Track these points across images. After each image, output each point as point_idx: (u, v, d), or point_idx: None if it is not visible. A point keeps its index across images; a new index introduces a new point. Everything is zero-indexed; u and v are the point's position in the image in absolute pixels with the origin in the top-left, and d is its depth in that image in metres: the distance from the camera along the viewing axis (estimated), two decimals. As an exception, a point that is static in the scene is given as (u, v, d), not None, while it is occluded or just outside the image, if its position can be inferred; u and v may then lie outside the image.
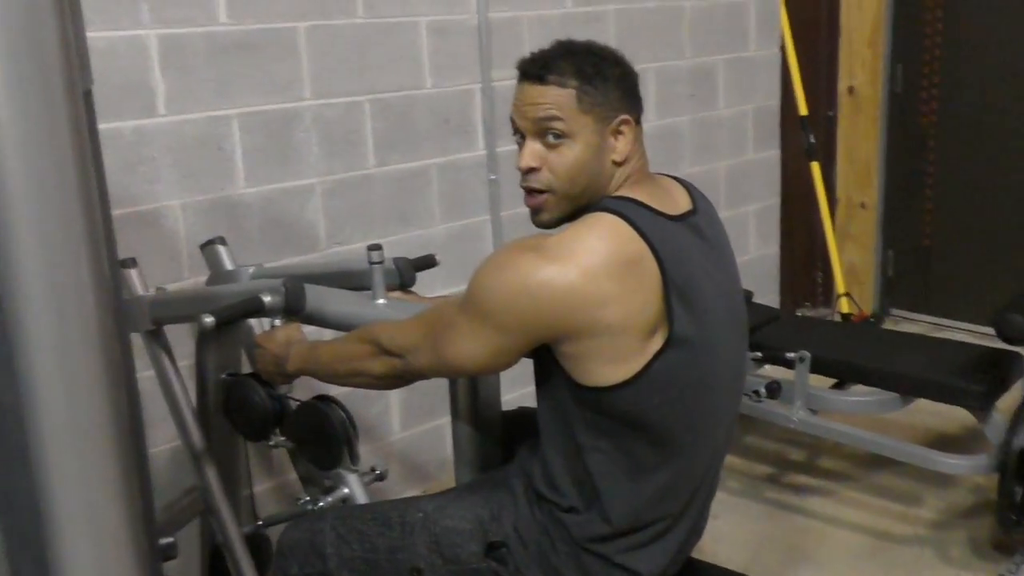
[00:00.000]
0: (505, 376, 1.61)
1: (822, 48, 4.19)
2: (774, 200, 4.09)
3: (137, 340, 2.06)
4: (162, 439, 2.39)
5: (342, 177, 2.66)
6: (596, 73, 1.42)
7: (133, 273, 2.03)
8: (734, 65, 3.77)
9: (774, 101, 4.00)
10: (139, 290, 2.03)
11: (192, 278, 2.38)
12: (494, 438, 1.73)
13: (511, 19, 2.96)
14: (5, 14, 1.12)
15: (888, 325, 4.16)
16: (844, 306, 4.06)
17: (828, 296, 4.26)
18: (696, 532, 1.58)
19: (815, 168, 4.00)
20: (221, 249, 2.17)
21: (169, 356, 2.06)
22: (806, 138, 3.97)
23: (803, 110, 3.96)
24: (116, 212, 2.26)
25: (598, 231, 1.37)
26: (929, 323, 4.13)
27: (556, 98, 1.42)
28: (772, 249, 4.13)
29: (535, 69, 1.44)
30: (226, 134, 2.43)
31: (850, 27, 4.18)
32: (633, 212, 1.40)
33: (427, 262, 2.04)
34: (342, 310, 1.77)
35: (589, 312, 1.33)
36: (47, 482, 1.29)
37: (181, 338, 2.21)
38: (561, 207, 1.46)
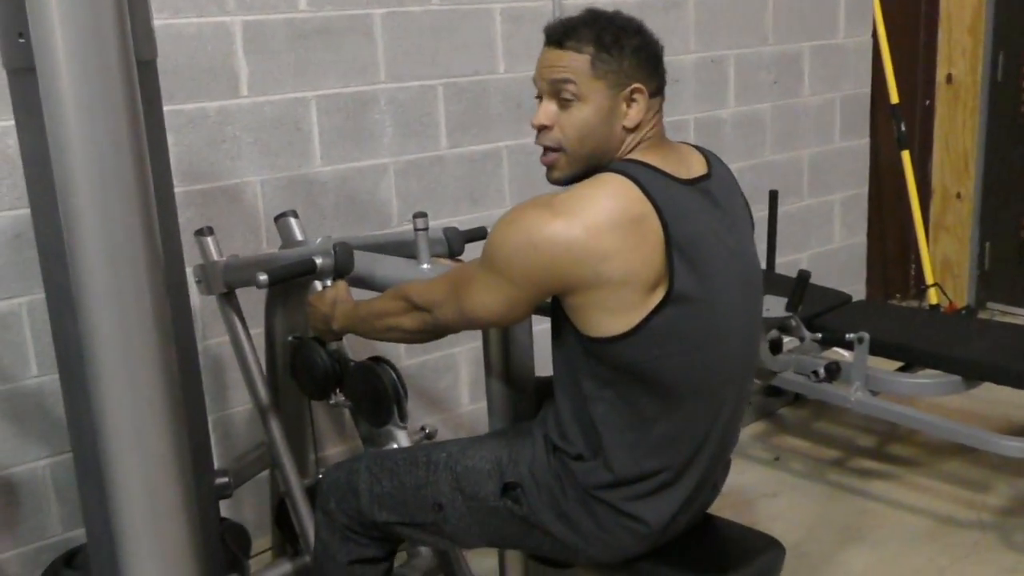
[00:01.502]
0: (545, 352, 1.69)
1: (920, 36, 4.12)
2: (862, 189, 4.04)
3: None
4: (246, 399, 2.55)
5: (415, 158, 2.78)
6: (614, 42, 1.50)
7: (209, 240, 2.19)
8: (821, 52, 3.74)
9: (864, 89, 3.95)
10: (214, 256, 2.19)
11: (270, 249, 2.54)
12: (526, 395, 1.82)
13: (587, 4, 3.02)
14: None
15: (984, 317, 4.05)
16: (933, 297, 3.98)
17: (920, 288, 4.18)
18: (706, 487, 1.63)
19: (906, 157, 3.93)
20: (293, 221, 2.31)
21: (240, 319, 2.22)
22: (897, 127, 3.91)
23: (894, 98, 3.90)
24: (200, 186, 2.45)
25: (605, 190, 1.45)
26: (1027, 317, 4.02)
27: (571, 62, 1.50)
28: (859, 239, 4.07)
29: (557, 34, 1.53)
30: (304, 115, 2.58)
31: (949, 14, 4.09)
32: (641, 173, 1.47)
33: (478, 234, 2.14)
34: (388, 274, 1.88)
35: (591, 265, 1.41)
36: (105, 413, 1.45)
37: (258, 306, 2.37)
38: (572, 166, 1.55)
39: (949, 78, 4.15)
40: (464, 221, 2.84)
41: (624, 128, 1.52)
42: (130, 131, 1.34)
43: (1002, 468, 2.79)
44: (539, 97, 1.57)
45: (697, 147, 1.64)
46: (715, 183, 1.56)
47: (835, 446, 3.07)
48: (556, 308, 1.53)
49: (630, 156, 1.53)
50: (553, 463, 1.59)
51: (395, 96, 2.72)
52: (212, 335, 2.51)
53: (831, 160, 3.88)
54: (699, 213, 1.50)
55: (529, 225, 1.44)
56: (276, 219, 2.35)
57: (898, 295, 4.29)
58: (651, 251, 1.42)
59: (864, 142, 3.99)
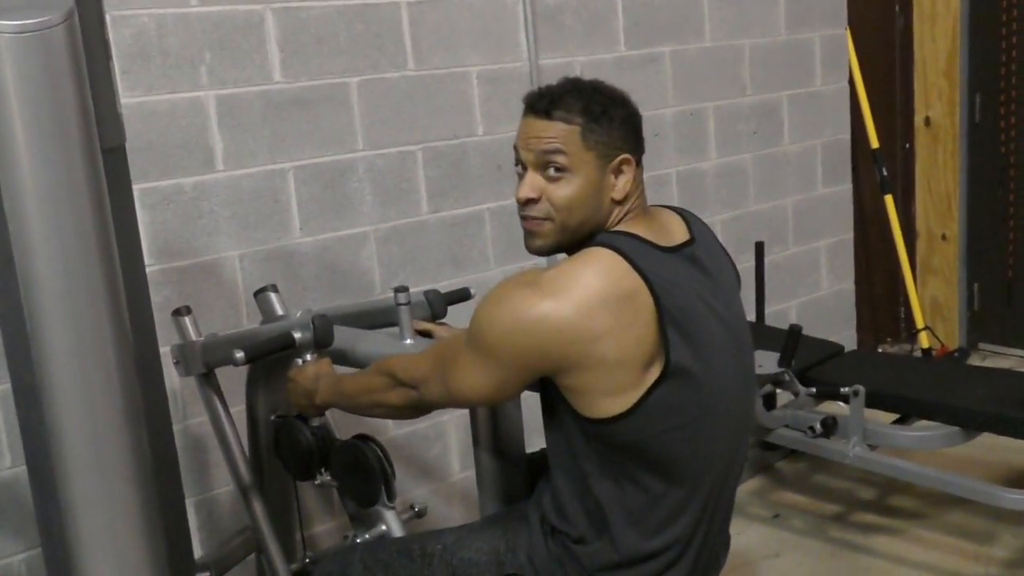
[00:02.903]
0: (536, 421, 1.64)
1: (896, 80, 4.14)
2: (847, 235, 4.02)
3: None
4: (225, 481, 2.48)
5: (396, 224, 2.74)
6: (602, 112, 1.47)
7: (187, 320, 2.14)
8: (800, 100, 3.75)
9: (844, 135, 3.95)
10: (192, 336, 2.14)
11: (250, 325, 2.48)
12: (517, 471, 1.77)
13: (563, 64, 3.02)
14: (26, 83, 1.24)
15: (976, 360, 4.03)
16: (925, 341, 3.95)
17: (911, 331, 4.15)
18: (706, 559, 1.57)
19: (889, 201, 3.92)
20: (273, 296, 2.26)
21: (220, 398, 2.16)
22: (879, 171, 3.91)
23: (875, 143, 3.90)
24: (178, 263, 2.40)
25: (593, 266, 1.40)
26: (1020, 357, 3.98)
27: (561, 133, 1.46)
28: (847, 284, 4.05)
29: (543, 104, 1.49)
30: (282, 186, 2.55)
31: (924, 58, 4.12)
32: (628, 246, 1.43)
33: (460, 295, 2.10)
34: (370, 350, 1.84)
35: (583, 346, 1.36)
36: (75, 512, 1.39)
37: (239, 384, 2.31)
38: (556, 236, 1.50)
39: (927, 121, 4.17)
40: (448, 286, 2.78)
41: (612, 200, 1.48)
42: (95, 223, 1.30)
43: (1006, 518, 2.74)
44: (520, 168, 1.52)
45: (674, 208, 1.60)
46: (699, 247, 1.53)
47: (835, 500, 3.01)
48: (547, 386, 1.47)
49: (616, 228, 1.49)
50: (553, 547, 1.52)
51: (374, 163, 2.69)
52: (193, 415, 2.45)
53: (815, 207, 3.86)
54: (687, 281, 1.46)
55: (516, 306, 1.39)
56: (256, 294, 2.30)
57: (889, 339, 4.26)
58: (644, 327, 1.38)
59: (847, 188, 3.98)
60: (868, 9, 3.94)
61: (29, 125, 1.25)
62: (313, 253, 2.61)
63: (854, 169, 3.99)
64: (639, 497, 1.46)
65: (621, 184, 1.48)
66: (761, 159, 3.64)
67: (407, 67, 2.72)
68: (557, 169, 1.46)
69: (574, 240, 1.50)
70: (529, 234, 1.53)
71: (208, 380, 2.16)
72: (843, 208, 3.99)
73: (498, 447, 1.74)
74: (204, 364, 2.12)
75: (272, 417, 2.12)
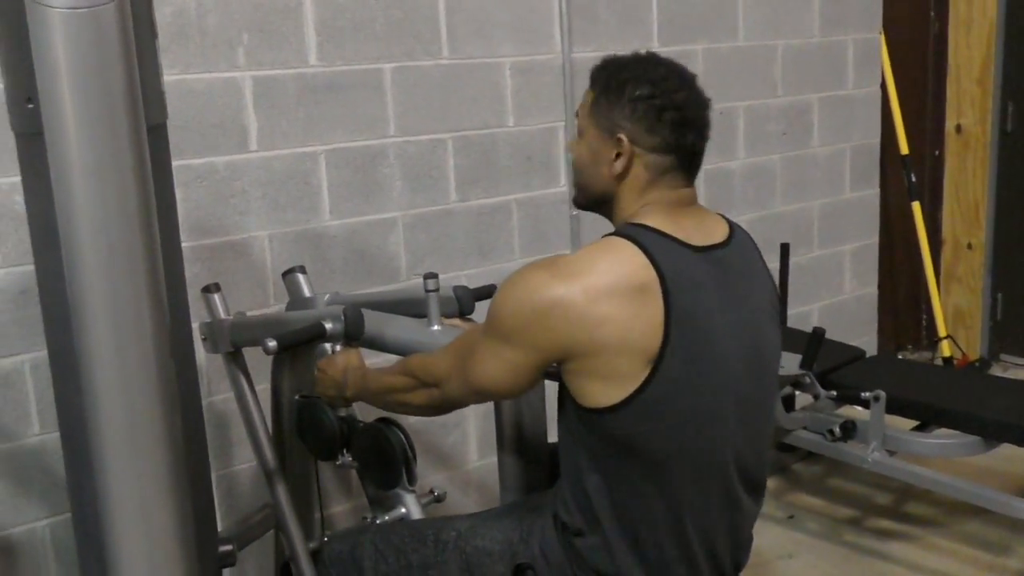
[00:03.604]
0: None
1: (929, 86, 4.12)
2: (872, 240, 4.01)
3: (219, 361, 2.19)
4: (250, 456, 2.51)
5: (424, 211, 2.76)
6: (617, 88, 1.49)
7: (216, 298, 2.16)
8: (831, 103, 3.73)
9: (874, 140, 3.93)
10: (221, 314, 2.16)
11: (277, 304, 2.51)
12: (539, 464, 1.78)
13: (596, 58, 2.99)
14: (75, 60, 1.26)
15: (997, 370, 4.01)
16: (946, 350, 3.94)
17: (932, 339, 4.14)
18: (711, 566, 1.56)
19: (916, 208, 3.91)
20: (300, 277, 2.28)
21: (246, 377, 2.18)
22: (907, 177, 3.90)
23: (904, 149, 3.89)
24: (208, 241, 2.42)
25: (609, 255, 1.43)
26: (1041, 369, 3.97)
27: (585, 98, 1.56)
28: (870, 290, 4.04)
29: (593, 68, 1.58)
30: (313, 169, 2.56)
31: (958, 65, 4.10)
32: (649, 240, 1.44)
33: (488, 292, 2.10)
34: (398, 336, 1.85)
35: (588, 331, 1.38)
36: (107, 482, 1.42)
37: (265, 360, 2.33)
38: (579, 191, 1.60)
39: (958, 128, 4.15)
40: (473, 275, 2.81)
41: (613, 176, 1.51)
42: (139, 200, 1.32)
43: (1022, 530, 2.73)
44: None
45: (724, 217, 1.60)
46: (732, 251, 1.52)
47: (851, 504, 3.01)
48: (560, 377, 1.49)
49: (639, 219, 1.49)
50: (562, 539, 1.54)
51: (404, 149, 2.70)
52: (217, 391, 2.47)
53: (841, 211, 3.85)
54: (705, 283, 1.46)
55: (529, 287, 1.42)
56: (284, 275, 2.33)
57: (910, 346, 4.25)
58: (649, 321, 1.39)
59: (874, 192, 3.97)
60: (903, 13, 3.92)
61: (78, 102, 1.27)
62: (341, 236, 2.63)
63: (882, 174, 3.97)
64: (623, 494, 1.46)
65: (619, 163, 1.50)
66: (789, 160, 3.64)
67: (441, 55, 2.73)
68: (578, 131, 1.57)
69: (590, 201, 1.58)
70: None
71: (235, 359, 2.18)
72: (869, 213, 3.97)
73: (521, 438, 1.75)
74: (232, 343, 2.14)
75: (296, 397, 2.14)
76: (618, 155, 1.49)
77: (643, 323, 1.39)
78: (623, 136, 1.49)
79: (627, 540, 1.47)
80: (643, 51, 1.57)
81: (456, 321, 1.99)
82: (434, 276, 1.84)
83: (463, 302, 2.04)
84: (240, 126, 2.44)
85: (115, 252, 1.32)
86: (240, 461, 2.54)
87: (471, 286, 2.14)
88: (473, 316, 2.05)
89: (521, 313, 1.41)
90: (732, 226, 1.57)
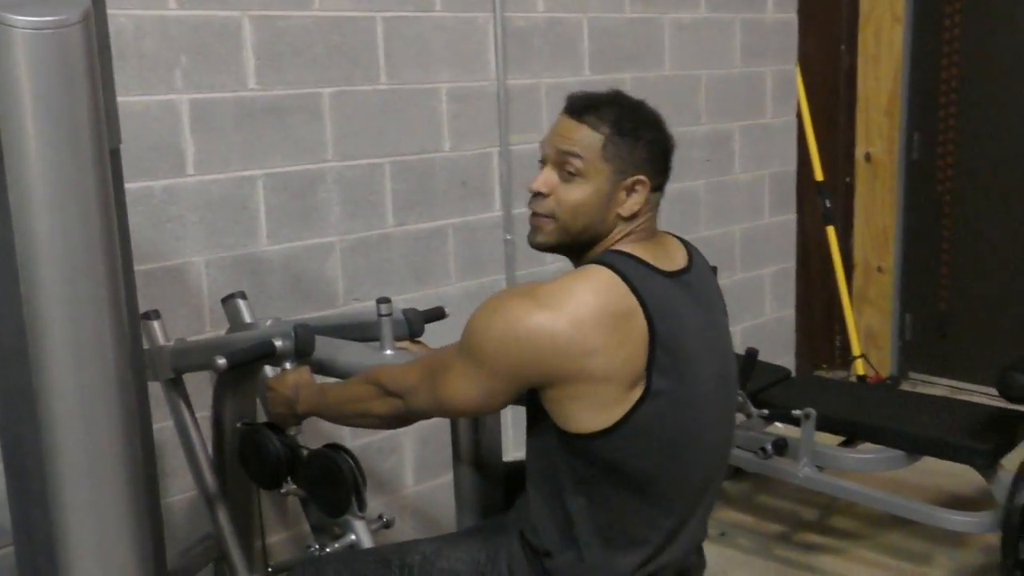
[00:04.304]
0: (517, 429, 1.66)
1: (840, 116, 4.29)
2: (790, 263, 4.14)
3: (157, 390, 2.15)
4: (185, 487, 2.46)
5: (361, 236, 2.76)
6: (632, 129, 1.49)
7: (155, 324, 2.13)
8: (751, 131, 3.86)
9: (791, 167, 4.07)
10: (160, 340, 2.12)
11: (214, 331, 2.47)
12: (495, 484, 1.79)
13: (530, 86, 3.07)
14: (39, 81, 1.24)
15: (907, 387, 4.18)
16: (860, 368, 4.08)
17: (846, 358, 4.28)
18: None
19: (831, 232, 4.06)
20: (241, 303, 2.25)
21: (187, 405, 2.15)
22: (822, 203, 4.04)
23: (819, 176, 4.04)
24: (143, 267, 2.38)
25: (591, 283, 1.43)
26: (947, 386, 4.13)
27: (585, 137, 1.49)
28: (788, 311, 4.17)
29: (579, 106, 1.52)
30: (251, 193, 2.54)
31: (867, 96, 4.27)
32: (628, 267, 1.46)
33: (436, 314, 2.11)
34: (350, 360, 1.84)
35: (574, 360, 1.39)
36: (62, 517, 1.38)
37: (202, 388, 2.30)
38: (557, 236, 1.54)
39: (868, 157, 4.32)
40: (410, 299, 2.82)
41: (619, 216, 1.51)
42: (101, 225, 1.29)
43: (942, 540, 2.84)
44: (542, 162, 1.55)
45: (678, 237, 1.65)
46: (695, 276, 1.57)
47: (779, 520, 3.09)
48: (532, 398, 1.50)
49: (619, 247, 1.52)
50: (530, 558, 1.55)
51: (342, 174, 2.70)
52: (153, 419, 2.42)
53: (761, 235, 3.98)
54: (682, 308, 1.50)
55: (512, 316, 1.41)
56: (223, 300, 2.29)
57: (824, 365, 4.39)
58: (634, 348, 1.41)
59: (792, 217, 4.11)
60: (816, 47, 4.09)
61: (40, 124, 1.25)
62: (279, 261, 2.61)
63: (799, 200, 4.12)
64: (610, 514, 1.49)
65: (631, 203, 1.51)
66: (712, 186, 3.74)
67: (379, 80, 2.74)
68: (572, 172, 1.50)
69: (574, 245, 1.54)
70: (532, 229, 1.56)
71: (175, 386, 2.15)
72: (787, 237, 4.11)
73: (478, 458, 1.76)
74: (173, 369, 2.11)
75: (238, 424, 2.11)
76: (628, 195, 1.50)
77: (628, 350, 1.41)
78: (642, 177, 1.50)
79: (603, 555, 1.49)
80: (611, 89, 1.58)
81: (407, 344, 1.99)
82: (387, 301, 1.84)
83: (413, 325, 2.04)
84: (177, 150, 2.41)
85: (78, 279, 1.29)
86: (176, 492, 2.49)
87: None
88: (422, 339, 2.06)
89: (502, 340, 1.41)
90: (689, 249, 1.62)
